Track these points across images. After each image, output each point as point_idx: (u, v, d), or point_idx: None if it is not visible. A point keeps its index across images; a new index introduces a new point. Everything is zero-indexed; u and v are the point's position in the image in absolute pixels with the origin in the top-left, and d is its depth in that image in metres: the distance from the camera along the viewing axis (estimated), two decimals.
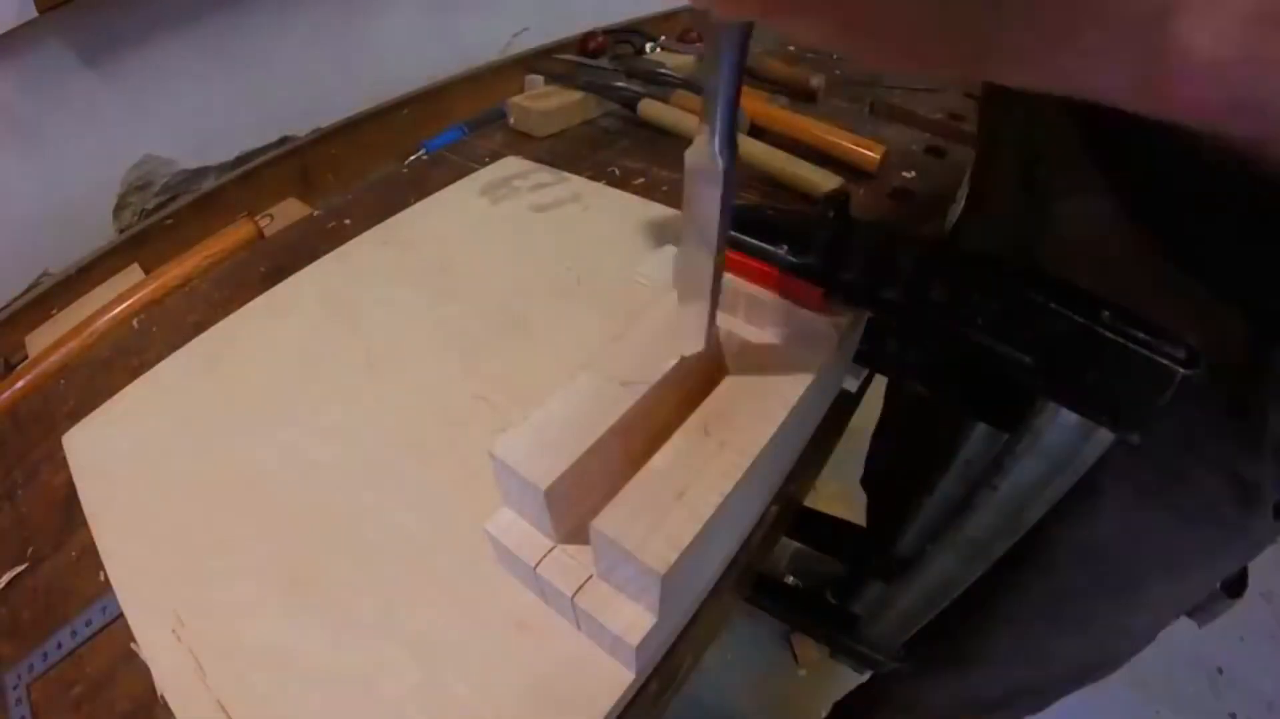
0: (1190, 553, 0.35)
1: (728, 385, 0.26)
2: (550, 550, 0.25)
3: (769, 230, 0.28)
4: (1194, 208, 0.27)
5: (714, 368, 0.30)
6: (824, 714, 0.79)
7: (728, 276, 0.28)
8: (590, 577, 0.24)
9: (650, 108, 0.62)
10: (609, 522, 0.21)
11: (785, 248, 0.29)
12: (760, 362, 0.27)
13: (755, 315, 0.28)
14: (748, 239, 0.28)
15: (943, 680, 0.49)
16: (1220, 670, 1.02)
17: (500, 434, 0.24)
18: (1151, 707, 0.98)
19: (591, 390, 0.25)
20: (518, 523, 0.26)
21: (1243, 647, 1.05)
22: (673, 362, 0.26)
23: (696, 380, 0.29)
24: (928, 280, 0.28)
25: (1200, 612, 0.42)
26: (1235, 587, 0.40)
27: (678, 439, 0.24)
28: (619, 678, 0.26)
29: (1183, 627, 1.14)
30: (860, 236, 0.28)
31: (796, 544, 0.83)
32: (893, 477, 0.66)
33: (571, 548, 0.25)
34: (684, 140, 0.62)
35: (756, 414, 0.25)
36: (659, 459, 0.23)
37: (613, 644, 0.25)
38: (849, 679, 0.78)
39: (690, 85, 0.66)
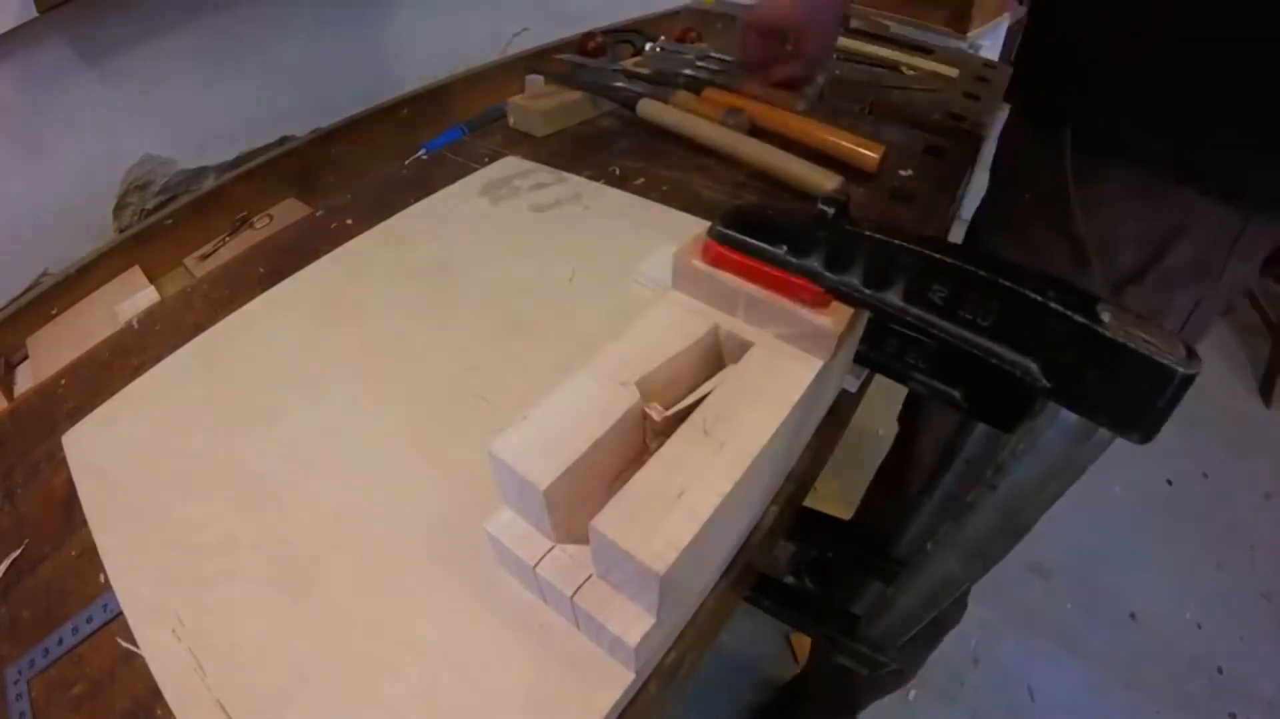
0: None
1: (728, 385, 0.26)
2: (549, 550, 0.25)
3: (769, 230, 0.28)
4: None
5: (714, 368, 0.30)
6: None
7: (727, 277, 0.28)
8: (590, 576, 0.24)
9: (649, 107, 0.62)
10: (608, 521, 0.21)
11: (785, 248, 0.28)
12: (760, 362, 0.27)
13: (755, 315, 0.28)
14: (748, 239, 0.28)
15: None
16: (1220, 670, 1.02)
17: (499, 433, 0.24)
18: (1152, 707, 0.98)
19: (591, 390, 0.25)
20: (517, 522, 0.26)
21: (1243, 646, 1.05)
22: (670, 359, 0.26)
23: (696, 380, 0.29)
24: (928, 281, 0.28)
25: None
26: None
27: (677, 439, 0.24)
28: (618, 678, 0.26)
29: (1184, 628, 1.15)
30: (861, 237, 0.28)
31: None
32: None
33: (571, 547, 0.25)
34: (684, 140, 0.62)
35: (756, 414, 0.25)
36: (659, 459, 0.23)
37: (612, 644, 0.25)
38: None
39: (694, 85, 0.66)
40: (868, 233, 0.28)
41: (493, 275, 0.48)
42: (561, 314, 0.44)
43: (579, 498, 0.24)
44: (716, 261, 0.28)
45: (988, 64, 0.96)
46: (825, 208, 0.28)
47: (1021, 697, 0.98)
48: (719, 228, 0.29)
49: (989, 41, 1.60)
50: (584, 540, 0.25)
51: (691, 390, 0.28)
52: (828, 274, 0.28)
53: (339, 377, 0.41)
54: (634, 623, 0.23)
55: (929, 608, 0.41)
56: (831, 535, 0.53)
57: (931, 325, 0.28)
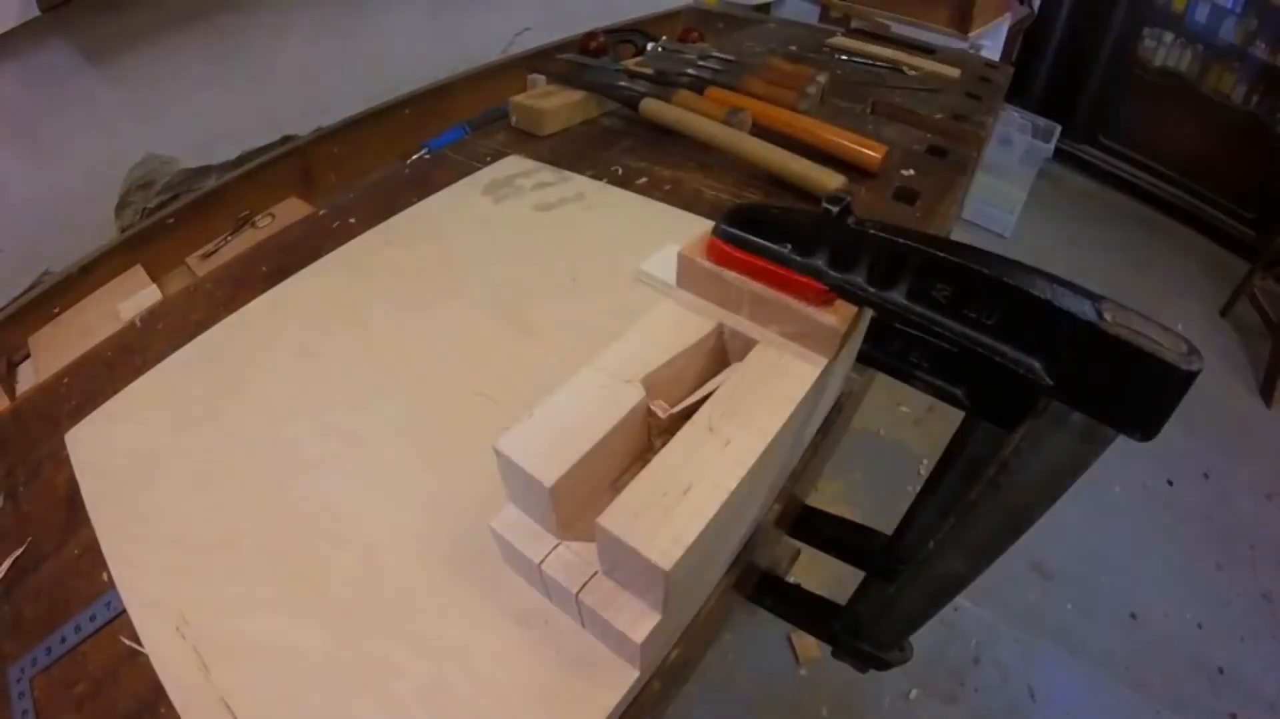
0: None
1: (732, 383, 0.26)
2: (555, 548, 0.25)
3: (773, 228, 0.28)
4: None
5: (718, 366, 0.30)
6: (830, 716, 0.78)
7: (731, 275, 0.28)
8: (595, 573, 0.24)
9: (652, 106, 0.62)
10: (614, 518, 0.21)
11: (790, 246, 0.29)
12: (764, 360, 0.27)
13: (760, 314, 0.28)
14: (752, 237, 0.28)
15: None
16: (1221, 671, 1.02)
17: (505, 431, 0.24)
18: (1152, 707, 0.98)
19: (596, 387, 0.25)
20: (522, 520, 0.26)
21: (1243, 647, 1.05)
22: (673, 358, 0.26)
23: (700, 378, 0.29)
24: (932, 279, 0.28)
25: None
26: None
27: (683, 436, 0.24)
28: (623, 675, 0.26)
29: (1184, 628, 1.15)
30: (865, 235, 0.28)
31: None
32: None
33: (576, 544, 0.25)
34: (686, 139, 0.62)
35: (761, 411, 0.25)
36: (664, 456, 0.23)
37: (617, 641, 0.25)
38: (850, 678, 0.78)
39: (696, 85, 0.66)
40: (872, 231, 0.28)
41: (496, 274, 0.48)
42: (565, 313, 0.44)
43: (584, 495, 0.24)
44: (721, 260, 0.28)
45: (989, 64, 0.96)
46: (830, 206, 0.28)
47: (1022, 696, 0.98)
48: (724, 226, 0.29)
49: (990, 42, 1.60)
50: (589, 537, 0.25)
51: (695, 388, 0.28)
52: (832, 272, 0.29)
53: (342, 375, 0.41)
54: (639, 620, 0.23)
55: (932, 606, 0.41)
56: (833, 534, 0.53)
57: (935, 324, 0.28)
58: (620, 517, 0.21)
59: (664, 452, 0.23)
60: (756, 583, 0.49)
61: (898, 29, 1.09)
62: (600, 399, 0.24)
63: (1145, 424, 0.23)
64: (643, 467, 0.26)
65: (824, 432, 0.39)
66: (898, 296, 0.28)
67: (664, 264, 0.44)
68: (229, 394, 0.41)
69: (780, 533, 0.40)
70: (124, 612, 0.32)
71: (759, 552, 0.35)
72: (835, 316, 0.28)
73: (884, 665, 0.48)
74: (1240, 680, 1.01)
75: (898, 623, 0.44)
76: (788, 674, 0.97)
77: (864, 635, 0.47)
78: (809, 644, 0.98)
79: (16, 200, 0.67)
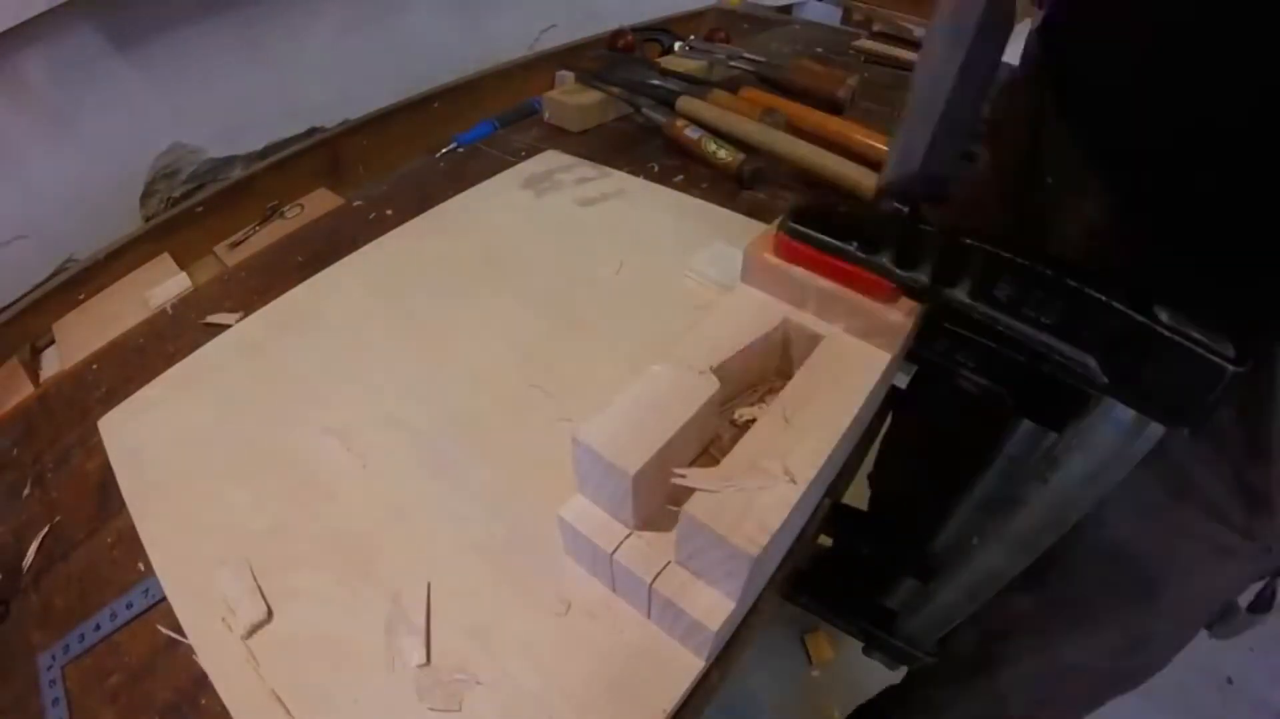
0: (1201, 557, 0.36)
1: (803, 377, 0.26)
2: (627, 537, 0.25)
3: (839, 226, 0.28)
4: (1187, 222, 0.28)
5: (781, 359, 0.30)
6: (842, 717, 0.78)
7: (799, 271, 0.29)
8: (668, 563, 0.24)
9: (689, 105, 0.62)
10: (700, 506, 0.21)
11: (855, 244, 0.29)
12: (832, 353, 0.27)
13: (826, 309, 0.28)
14: (818, 234, 0.29)
15: (973, 685, 0.50)
16: (1230, 681, 1.02)
17: (582, 421, 0.24)
18: (1160, 716, 0.98)
19: (671, 379, 0.25)
20: (592, 510, 0.26)
21: (1252, 657, 1.05)
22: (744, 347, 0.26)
23: (764, 370, 0.29)
24: (994, 278, 0.28)
25: (1219, 625, 0.43)
26: (1262, 604, 0.41)
27: (760, 427, 0.24)
28: (689, 666, 0.26)
29: (1195, 637, 1.14)
30: (933, 235, 0.28)
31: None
32: (916, 477, 0.66)
33: (648, 534, 0.25)
34: (722, 138, 0.62)
35: (833, 404, 0.25)
36: (743, 446, 0.23)
37: (687, 631, 0.25)
38: (862, 680, 0.78)
39: (729, 85, 0.67)
40: (939, 231, 0.28)
41: (541, 267, 0.48)
42: (612, 307, 0.44)
43: (656, 485, 0.24)
44: (788, 256, 0.29)
45: (1011, 70, 0.96)
46: (901, 206, 0.28)
47: None
48: (791, 223, 0.29)
49: (1011, 47, 1.60)
50: (657, 527, 0.25)
51: (760, 380, 0.28)
52: (897, 270, 0.29)
53: (391, 365, 0.41)
54: (714, 608, 0.23)
55: (970, 602, 0.41)
56: (866, 531, 0.53)
57: (995, 322, 0.28)
58: (706, 504, 0.21)
59: (742, 442, 0.23)
60: (790, 580, 0.49)
61: (920, 33, 1.10)
62: (677, 390, 0.25)
63: (1193, 419, 0.23)
64: (708, 457, 0.26)
65: (868, 428, 0.39)
66: (960, 294, 0.29)
67: (713, 261, 0.44)
68: (272, 383, 0.41)
69: (821, 528, 0.40)
70: (163, 600, 0.31)
71: (800, 546, 0.35)
72: (900, 313, 0.28)
73: (916, 662, 0.48)
74: (1249, 691, 1.01)
75: (934, 619, 0.44)
76: (800, 675, 0.97)
77: (897, 632, 0.47)
78: (822, 645, 0.98)
79: (41, 186, 0.67)
